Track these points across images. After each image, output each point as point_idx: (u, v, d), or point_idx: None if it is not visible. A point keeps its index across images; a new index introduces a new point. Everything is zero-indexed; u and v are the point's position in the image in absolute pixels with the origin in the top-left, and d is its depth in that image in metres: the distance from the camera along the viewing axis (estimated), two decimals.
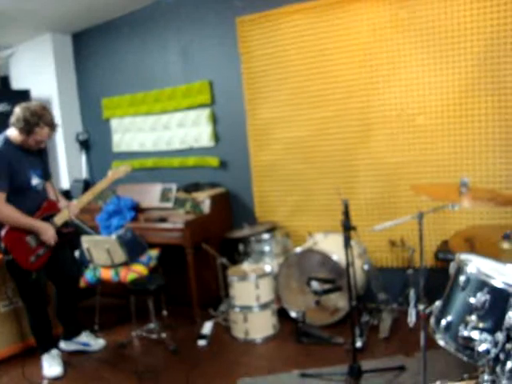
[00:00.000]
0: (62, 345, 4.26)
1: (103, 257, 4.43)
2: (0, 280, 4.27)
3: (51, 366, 3.93)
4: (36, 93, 6.03)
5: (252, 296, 4.13)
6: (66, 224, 3.97)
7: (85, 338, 4.28)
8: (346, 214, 3.26)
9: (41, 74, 6.08)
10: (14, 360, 4.25)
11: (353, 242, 3.62)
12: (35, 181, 3.78)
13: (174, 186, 5.02)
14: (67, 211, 3.91)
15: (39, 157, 3.87)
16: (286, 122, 4.66)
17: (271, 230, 4.66)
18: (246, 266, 4.39)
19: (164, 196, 5.07)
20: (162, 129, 5.42)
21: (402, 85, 4.12)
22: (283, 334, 4.17)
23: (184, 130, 5.26)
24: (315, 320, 4.11)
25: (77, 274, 4.35)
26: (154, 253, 4.83)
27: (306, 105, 4.53)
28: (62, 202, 4.03)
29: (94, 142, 6.13)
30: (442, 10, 3.89)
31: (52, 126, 3.66)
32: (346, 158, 4.43)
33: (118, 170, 4.19)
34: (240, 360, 3.86)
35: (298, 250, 4.21)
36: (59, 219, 3.87)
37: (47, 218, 3.82)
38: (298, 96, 4.55)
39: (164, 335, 4.23)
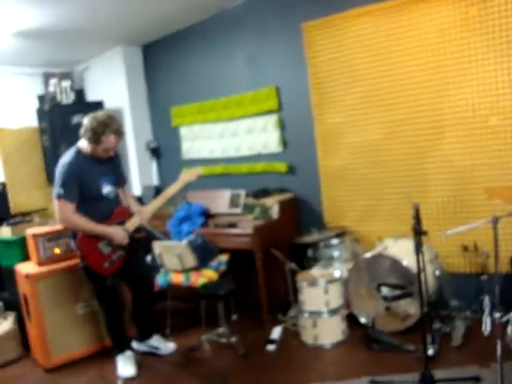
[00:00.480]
0: (134, 345, 4.38)
1: (174, 262, 4.53)
2: (77, 283, 4.45)
3: (125, 366, 4.05)
4: (109, 104, 6.28)
5: (321, 301, 4.10)
6: (139, 229, 4.09)
7: (155, 341, 4.37)
8: (417, 218, 3.19)
9: (113, 86, 6.33)
10: (91, 360, 4.43)
11: (424, 247, 3.52)
12: (106, 189, 3.91)
13: (242, 192, 5.08)
14: (138, 217, 4.02)
15: (111, 164, 4.00)
16: (354, 127, 4.62)
17: (340, 235, 4.63)
18: (315, 271, 4.37)
19: (233, 202, 5.13)
20: (231, 135, 5.50)
21: (474, 85, 3.99)
22: (353, 340, 4.11)
23: (252, 136, 5.31)
24: (385, 326, 4.04)
25: (151, 278, 4.45)
26: (223, 258, 4.89)
27: (374, 108, 4.47)
28: (136, 208, 4.15)
29: (164, 150, 6.30)
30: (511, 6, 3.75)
31: (118, 134, 3.78)
32: (416, 162, 4.33)
33: (189, 173, 4.23)
34: (309, 365, 3.84)
35: (368, 255, 4.15)
36: (131, 225, 3.98)
37: (119, 225, 3.95)
38: (367, 100, 4.50)
39: (233, 339, 4.27)
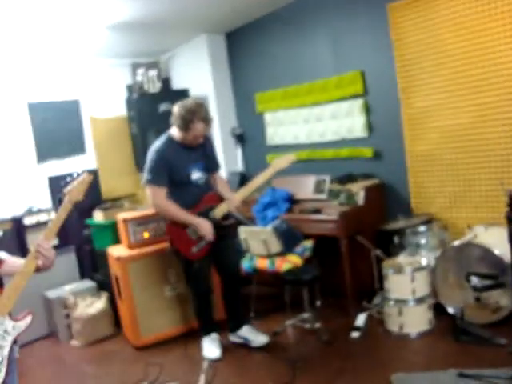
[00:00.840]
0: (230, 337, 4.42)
1: (259, 247, 4.58)
2: (165, 266, 4.63)
3: (211, 348, 4.16)
4: (194, 91, 6.41)
5: (408, 289, 4.03)
6: (227, 216, 4.13)
7: (247, 332, 4.33)
8: (511, 205, 3.05)
9: (198, 74, 6.45)
10: (178, 340, 4.60)
11: None
12: (196, 175, 3.99)
13: (327, 178, 5.04)
14: (227, 204, 4.05)
15: (201, 150, 4.07)
16: (443, 110, 4.45)
17: (428, 222, 4.50)
18: (402, 258, 4.29)
19: (318, 187, 5.11)
20: (315, 121, 5.46)
21: None
22: (439, 330, 4.00)
23: (337, 121, 5.24)
24: (474, 317, 3.89)
25: (238, 264, 4.46)
26: (308, 244, 4.90)
27: (464, 91, 4.28)
28: (227, 194, 4.16)
29: (248, 136, 6.36)
30: None
31: (206, 121, 3.83)
32: (508, 146, 4.11)
33: (281, 160, 4.18)
34: (394, 354, 3.78)
35: (457, 243, 4.02)
36: (219, 211, 4.03)
37: (207, 211, 4.02)
38: (456, 82, 4.31)
39: (317, 325, 4.29)
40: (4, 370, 2.23)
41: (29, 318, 2.35)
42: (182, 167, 3.93)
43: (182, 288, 4.68)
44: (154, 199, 3.90)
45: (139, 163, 6.33)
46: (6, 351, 2.25)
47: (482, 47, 4.11)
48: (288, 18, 5.53)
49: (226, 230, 4.16)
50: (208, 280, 4.21)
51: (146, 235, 4.72)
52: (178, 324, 4.69)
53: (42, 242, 2.35)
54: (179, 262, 4.22)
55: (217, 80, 6.30)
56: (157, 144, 3.96)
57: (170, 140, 3.95)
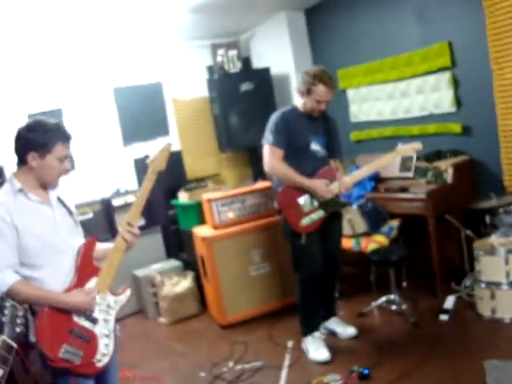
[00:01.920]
0: None
1: (345, 227, 4.51)
2: (250, 246, 4.69)
3: (318, 349, 3.86)
4: (275, 70, 6.37)
5: (501, 272, 3.85)
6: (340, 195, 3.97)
7: (335, 324, 4.18)
8: None
9: (278, 52, 6.39)
10: (262, 320, 4.65)
11: None
12: (315, 146, 3.89)
13: (414, 155, 4.86)
14: (338, 184, 3.86)
15: (323, 125, 3.97)
16: None
17: None
18: (494, 239, 4.08)
19: (404, 165, 4.95)
20: (400, 96, 5.26)
21: None
22: None
23: (423, 96, 5.02)
24: None
25: (339, 250, 4.20)
26: (394, 223, 4.80)
27: None
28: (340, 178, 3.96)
29: (331, 113, 6.23)
30: None
31: (328, 85, 3.74)
32: None
33: (406, 147, 3.95)
34: (486, 340, 3.64)
35: None
36: (333, 188, 3.83)
37: None
38: None
39: (404, 307, 4.20)
40: (112, 342, 2.38)
41: (128, 292, 2.53)
42: (301, 134, 3.85)
43: (267, 268, 4.72)
44: (270, 159, 3.81)
45: (222, 143, 6.40)
46: (111, 325, 2.41)
47: None
48: None
49: (339, 206, 4.01)
50: (317, 260, 3.86)
51: (231, 215, 4.77)
52: (262, 304, 4.73)
53: (129, 220, 2.47)
54: (287, 238, 3.98)
55: (297, 58, 6.20)
56: (280, 110, 3.97)
57: (293, 108, 3.95)
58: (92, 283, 2.39)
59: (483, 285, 3.92)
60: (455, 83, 4.73)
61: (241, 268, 4.68)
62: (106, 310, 2.42)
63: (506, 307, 3.83)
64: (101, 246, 2.58)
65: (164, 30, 5.87)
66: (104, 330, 2.39)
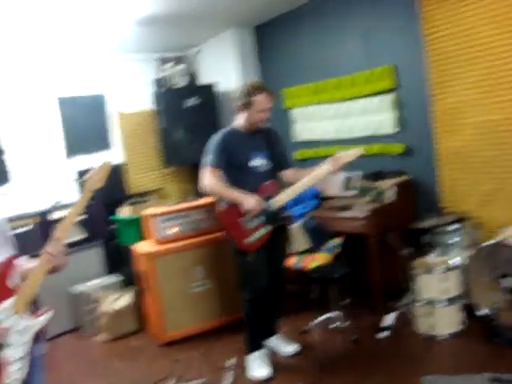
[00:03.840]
0: None
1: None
2: (193, 262, 4.65)
3: (259, 367, 3.83)
4: (222, 86, 6.38)
5: (438, 290, 3.95)
6: (285, 209, 3.96)
7: (276, 341, 4.16)
8: None
9: (226, 68, 6.41)
10: (204, 337, 4.58)
11: None
12: (258, 162, 3.87)
13: (356, 175, 4.95)
14: (285, 195, 3.80)
15: (265, 138, 3.95)
16: (476, 106, 4.32)
17: (459, 220, 4.38)
18: (432, 257, 4.20)
19: (347, 184, 5.03)
20: (344, 116, 5.36)
21: None
22: (471, 332, 3.91)
23: (366, 116, 5.14)
24: (509, 320, 3.78)
25: (284, 266, 4.19)
26: (336, 241, 4.84)
27: (499, 86, 4.15)
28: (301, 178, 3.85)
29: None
30: None
31: (267, 92, 3.75)
32: None
33: (345, 155, 3.79)
34: (423, 356, 3.71)
35: (489, 243, 3.92)
36: (277, 202, 3.79)
37: (266, 200, 3.77)
38: (490, 77, 4.19)
39: (345, 324, 4.23)
40: (25, 366, 2.23)
41: (49, 314, 2.34)
42: (243, 152, 3.83)
43: (209, 285, 4.67)
44: (207, 180, 3.78)
45: (166, 158, 6.34)
46: (26, 347, 2.25)
47: None
48: (318, 11, 5.44)
49: (282, 221, 3.98)
50: (264, 276, 3.82)
51: (174, 231, 4.70)
52: (204, 321, 4.67)
53: (50, 248, 2.32)
54: (233, 255, 3.93)
55: (245, 75, 6.22)
56: (219, 131, 3.94)
57: (233, 128, 3.92)
58: (5, 305, 2.24)
59: (421, 302, 4.01)
60: (398, 105, 4.87)
61: (182, 284, 4.61)
62: (22, 331, 2.26)
63: (443, 324, 3.93)
64: (29, 264, 2.45)
65: (110, 41, 5.80)
66: (17, 354, 2.23)
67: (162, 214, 4.72)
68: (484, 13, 4.12)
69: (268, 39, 6.19)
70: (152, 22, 5.21)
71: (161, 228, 4.67)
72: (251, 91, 3.73)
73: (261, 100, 3.74)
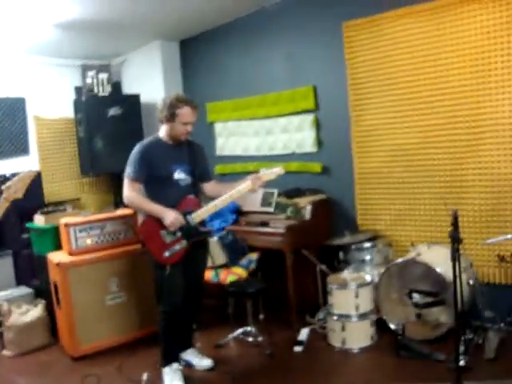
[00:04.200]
0: None
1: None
2: (106, 275, 4.52)
3: (173, 382, 3.78)
4: (145, 97, 6.32)
5: (351, 305, 4.06)
6: (205, 223, 3.95)
7: (190, 355, 4.12)
8: (455, 225, 3.12)
9: (150, 80, 6.39)
10: (118, 351, 4.44)
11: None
12: (179, 175, 3.82)
13: (275, 191, 5.04)
14: (206, 210, 3.80)
15: (187, 152, 3.91)
16: (391, 129, 4.54)
17: (373, 238, 4.56)
18: (346, 274, 4.32)
19: (265, 200, 5.10)
20: (266, 133, 5.47)
21: None
22: (381, 346, 4.05)
23: (287, 135, 5.27)
24: (415, 334, 3.95)
25: (203, 281, 4.17)
26: (253, 256, 4.89)
27: (413, 111, 4.39)
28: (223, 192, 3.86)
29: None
30: None
31: (191, 105, 3.74)
32: (453, 168, 4.24)
33: (267, 173, 3.83)
34: (336, 369, 3.80)
35: (400, 260, 4.09)
36: (197, 216, 3.78)
37: (184, 215, 3.75)
38: (405, 102, 4.42)
39: (260, 339, 4.26)
40: None
41: None
42: (164, 164, 3.78)
43: (124, 297, 4.57)
44: (127, 192, 3.72)
45: (84, 167, 6.18)
46: None
47: (430, 71, 4.25)
48: (243, 29, 5.56)
49: (202, 236, 3.93)
50: (180, 291, 3.79)
51: (89, 241, 4.58)
52: (118, 334, 4.55)
53: None
54: (151, 268, 3.87)
55: (168, 87, 6.21)
56: (141, 142, 3.87)
57: (156, 138, 3.86)
58: None
59: (335, 317, 4.11)
60: (317, 125, 5.03)
61: (96, 297, 4.49)
62: None
63: (355, 338, 4.05)
64: None
65: (29, 43, 5.61)
66: None
67: (78, 224, 4.59)
68: (401, 42, 4.36)
69: (193, 54, 6.23)
70: (73, 26, 5.09)
71: (76, 238, 4.54)
72: (175, 104, 3.72)
73: (184, 113, 3.74)
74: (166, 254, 3.71)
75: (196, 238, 3.84)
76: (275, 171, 3.85)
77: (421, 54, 4.27)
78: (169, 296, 3.80)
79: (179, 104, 3.71)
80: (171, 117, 3.73)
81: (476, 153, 4.11)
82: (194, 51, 6.20)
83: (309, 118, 5.05)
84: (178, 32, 6.01)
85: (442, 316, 3.86)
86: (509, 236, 3.09)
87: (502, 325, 3.91)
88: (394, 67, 4.43)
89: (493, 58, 3.94)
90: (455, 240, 3.10)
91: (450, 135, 4.22)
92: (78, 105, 6.19)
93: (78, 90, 6.36)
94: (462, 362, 3.40)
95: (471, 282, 3.93)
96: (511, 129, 3.93)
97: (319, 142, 5.06)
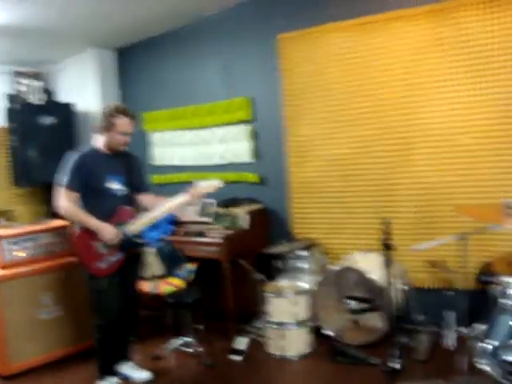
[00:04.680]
0: None
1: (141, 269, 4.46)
2: (40, 288, 4.38)
3: None
4: (81, 106, 6.19)
5: (288, 313, 4.11)
6: (140, 235, 3.87)
7: (128, 368, 4.05)
8: (387, 233, 3.23)
9: (86, 88, 6.27)
10: (53, 367, 4.32)
11: (392, 262, 3.58)
12: (115, 185, 3.77)
13: (213, 201, 5.05)
14: (142, 222, 3.78)
15: (124, 162, 3.87)
16: (325, 140, 4.66)
17: (309, 247, 4.64)
18: (283, 282, 4.38)
19: (203, 210, 5.10)
20: (203, 144, 5.49)
21: (444, 103, 4.08)
22: (319, 353, 4.12)
23: (224, 145, 5.30)
24: (351, 339, 4.06)
25: (137, 292, 4.12)
26: (191, 266, 4.86)
27: (346, 122, 4.53)
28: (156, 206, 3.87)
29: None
30: (484, 29, 3.86)
31: (129, 116, 3.71)
32: (386, 177, 4.40)
33: (204, 186, 3.79)
34: (275, 377, 3.84)
35: (336, 268, 4.18)
36: (133, 228, 3.74)
37: (119, 226, 3.70)
38: (338, 114, 4.55)
39: (199, 349, 4.24)
40: None
41: None
42: (100, 174, 3.71)
43: (59, 312, 4.45)
44: (62, 202, 3.64)
45: (17, 177, 5.98)
46: None
47: (363, 83, 4.41)
48: (180, 40, 5.57)
49: (137, 247, 3.90)
50: (115, 303, 3.75)
51: (22, 254, 4.43)
52: (53, 350, 4.41)
53: None
54: (85, 279, 3.79)
55: (104, 96, 6.12)
56: (77, 151, 3.79)
57: (92, 148, 3.80)
58: None
59: (273, 325, 4.15)
60: (254, 136, 5.08)
61: (29, 311, 4.33)
62: None
63: (293, 346, 4.10)
64: None
65: None
66: None
67: (10, 236, 4.44)
68: (335, 56, 4.50)
69: (130, 63, 6.18)
70: (1, 31, 4.95)
71: (7, 251, 4.39)
72: (113, 113, 3.69)
73: (122, 123, 3.70)
74: (102, 265, 3.67)
75: (132, 249, 3.81)
76: (213, 184, 3.83)
77: (353, 66, 4.43)
78: (104, 309, 3.75)
79: (117, 114, 3.68)
80: (109, 126, 3.69)
81: (407, 162, 4.28)
82: (132, 60, 6.15)
83: (245, 129, 5.10)
84: (114, 40, 5.95)
85: (377, 321, 3.98)
86: (436, 242, 3.22)
87: (432, 328, 4.08)
88: (328, 79, 4.56)
89: (420, 72, 4.14)
90: (387, 247, 3.20)
91: (381, 145, 4.38)
92: (10, 113, 5.98)
93: (11, 97, 6.14)
94: (396, 365, 3.53)
95: (404, 287, 4.08)
96: (439, 140, 4.13)
97: (256, 153, 5.12)
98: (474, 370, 2.34)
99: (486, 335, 2.10)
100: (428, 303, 4.21)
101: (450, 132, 4.09)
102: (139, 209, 3.98)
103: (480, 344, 2.12)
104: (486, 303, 2.20)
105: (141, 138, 6.02)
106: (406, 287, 4.09)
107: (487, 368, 2.04)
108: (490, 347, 2.03)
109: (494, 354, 2.02)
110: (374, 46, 4.31)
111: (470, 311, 2.93)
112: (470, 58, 3.94)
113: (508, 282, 2.13)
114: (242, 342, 4.37)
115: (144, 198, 4.02)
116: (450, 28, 3.98)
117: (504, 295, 2.09)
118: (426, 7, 4.06)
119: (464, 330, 2.74)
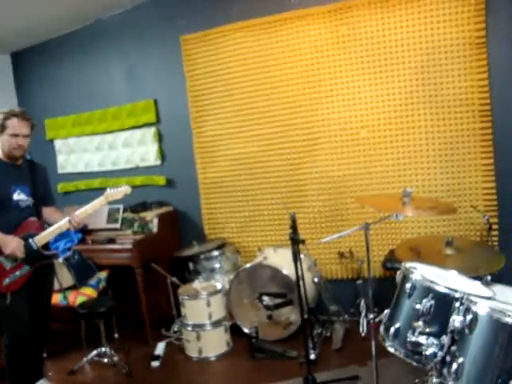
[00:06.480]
0: None
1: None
2: None
3: None
4: None
5: (204, 314, 4.11)
6: (48, 246, 3.73)
7: None
8: (294, 227, 3.28)
9: None
10: None
11: (302, 256, 3.65)
12: (19, 196, 3.58)
13: (120, 207, 4.95)
14: (48, 233, 3.62)
15: (28, 174, 3.70)
16: (231, 139, 4.70)
17: (221, 246, 4.67)
18: (197, 284, 4.37)
19: (111, 217, 5.00)
20: (108, 148, 5.37)
21: (345, 99, 4.22)
22: (237, 351, 4.15)
23: (130, 149, 5.22)
24: (269, 335, 4.11)
25: (50, 307, 3.94)
26: (102, 275, 4.77)
27: (251, 121, 4.58)
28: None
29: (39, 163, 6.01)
30: (380, 27, 4.03)
31: (21, 117, 3.55)
32: (292, 173, 4.49)
33: (114, 192, 3.72)
34: (194, 379, 3.82)
35: (248, 265, 4.22)
36: (40, 240, 3.57)
37: (25, 238, 3.53)
38: (243, 113, 4.60)
39: (116, 358, 4.16)
40: None
41: None
42: (3, 184, 3.52)
43: None
44: None
45: None
46: None
47: (266, 82, 4.48)
48: (82, 42, 5.40)
49: (45, 259, 3.69)
50: (25, 320, 3.56)
51: None
52: None
53: None
54: None
55: (1, 103, 5.82)
56: None
57: None
58: None
59: (189, 328, 4.13)
60: (160, 138, 5.04)
61: None
62: None
63: (211, 346, 4.11)
64: None
65: None
66: None
67: None
68: (237, 55, 4.55)
69: (28, 67, 5.91)
70: None
71: None
72: (4, 116, 3.53)
73: (13, 124, 3.53)
74: (6, 281, 3.48)
75: (39, 262, 3.66)
76: (122, 190, 3.77)
77: (256, 66, 4.48)
78: (12, 327, 3.57)
79: (7, 115, 3.52)
80: (1, 129, 3.54)
81: (312, 158, 4.39)
82: (29, 64, 5.88)
83: (151, 131, 5.05)
84: (7, 44, 5.67)
85: (292, 315, 4.05)
86: (340, 234, 3.30)
87: (346, 316, 4.22)
88: (232, 79, 4.59)
89: (321, 69, 4.27)
90: (295, 241, 3.26)
91: (286, 142, 4.46)
92: None
93: None
94: (312, 356, 3.62)
95: (316, 279, 4.18)
96: (340, 135, 4.27)
97: (162, 155, 5.07)
98: (384, 353, 2.44)
99: (390, 318, 2.20)
100: (341, 293, 4.34)
101: (349, 127, 4.24)
102: (44, 220, 3.84)
103: (385, 327, 2.22)
104: (393, 289, 2.30)
105: (43, 146, 5.79)
106: (318, 279, 4.19)
107: (392, 349, 2.13)
108: (393, 329, 2.12)
109: (397, 336, 2.11)
110: (276, 45, 4.39)
111: (379, 298, 3.04)
112: (368, 55, 4.10)
113: (409, 267, 2.24)
114: (160, 347, 4.33)
115: (46, 211, 3.87)
116: (348, 26, 4.12)
117: (405, 279, 2.19)
118: (325, 7, 4.17)
119: (373, 316, 2.84)
